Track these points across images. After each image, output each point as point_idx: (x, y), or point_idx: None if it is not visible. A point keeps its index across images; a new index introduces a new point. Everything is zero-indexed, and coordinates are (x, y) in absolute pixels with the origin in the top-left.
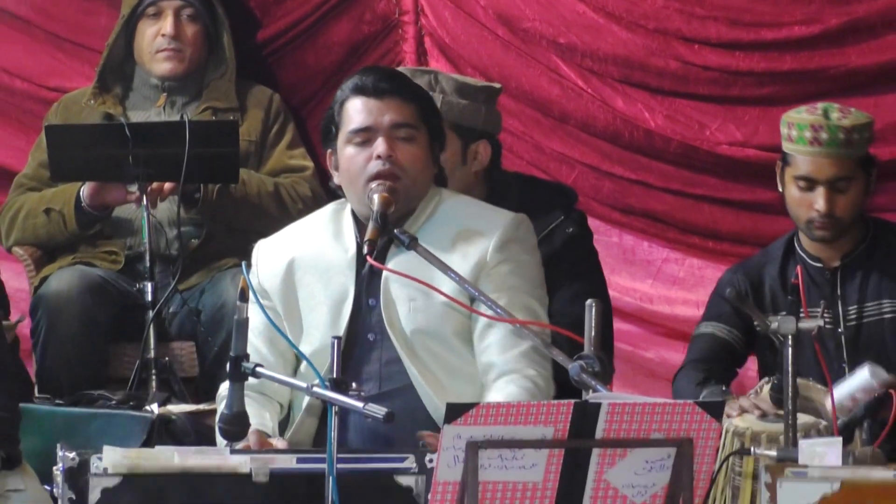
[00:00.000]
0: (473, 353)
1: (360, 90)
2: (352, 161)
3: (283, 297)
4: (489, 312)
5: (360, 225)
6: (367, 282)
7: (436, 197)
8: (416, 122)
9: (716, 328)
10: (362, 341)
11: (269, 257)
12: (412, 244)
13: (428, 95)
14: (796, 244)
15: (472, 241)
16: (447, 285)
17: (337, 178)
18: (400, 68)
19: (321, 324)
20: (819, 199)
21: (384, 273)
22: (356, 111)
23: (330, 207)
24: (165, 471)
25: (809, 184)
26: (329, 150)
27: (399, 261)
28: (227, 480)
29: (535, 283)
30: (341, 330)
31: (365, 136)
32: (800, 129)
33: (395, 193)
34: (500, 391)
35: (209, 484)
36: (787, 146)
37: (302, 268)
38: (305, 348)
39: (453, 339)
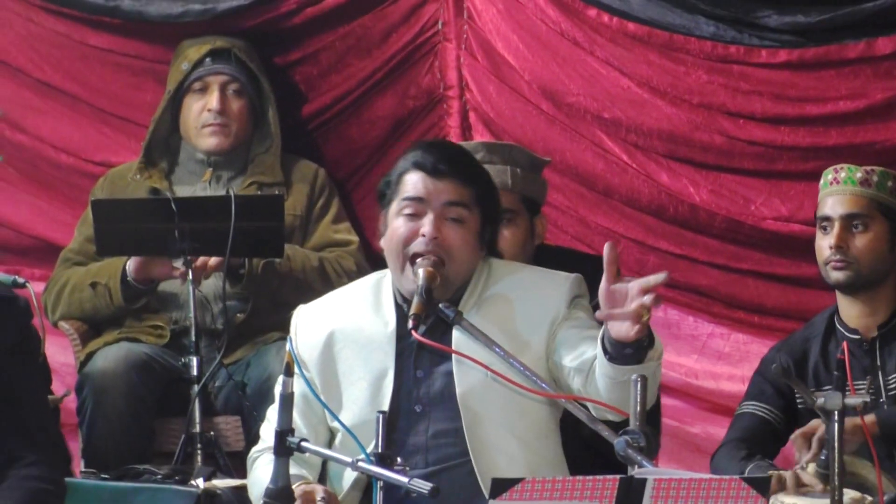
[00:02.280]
0: (536, 431)
1: (419, 166)
2: (397, 231)
3: (321, 370)
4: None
5: (399, 297)
6: (417, 354)
7: (485, 270)
8: (470, 205)
9: (757, 408)
10: (407, 414)
11: (308, 327)
12: (457, 319)
13: (488, 178)
14: (836, 318)
15: (540, 305)
16: (523, 354)
17: (382, 243)
18: (478, 140)
19: (361, 399)
20: (832, 237)
21: (453, 341)
22: (411, 185)
23: (372, 278)
24: None
25: (828, 224)
26: (382, 213)
27: (463, 339)
28: None
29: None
30: (384, 405)
31: (415, 207)
32: (825, 175)
33: (434, 275)
34: None
35: None
36: (818, 197)
37: (341, 341)
38: (344, 422)
39: (517, 419)
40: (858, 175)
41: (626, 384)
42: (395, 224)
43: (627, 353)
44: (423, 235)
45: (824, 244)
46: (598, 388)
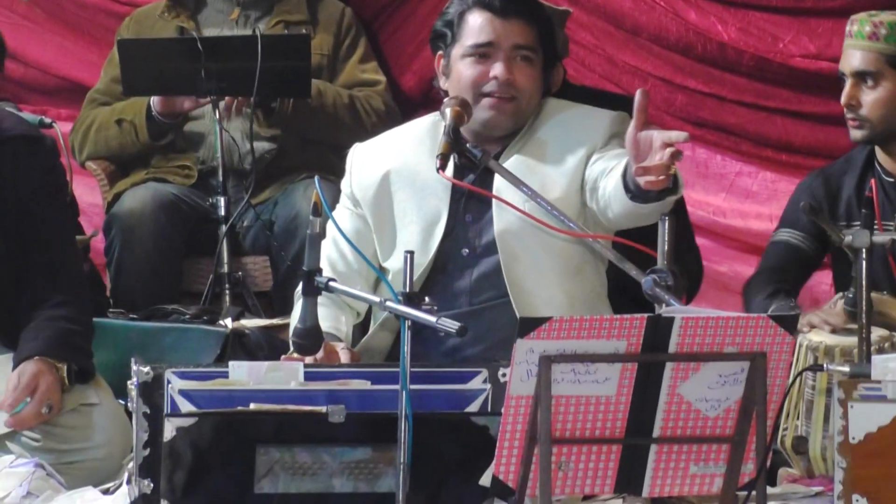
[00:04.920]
0: (576, 273)
1: (485, 5)
2: (466, 74)
3: (375, 210)
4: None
5: None
6: (467, 199)
7: (537, 111)
8: (536, 45)
9: (791, 235)
10: (455, 257)
11: (364, 165)
12: (484, 159)
13: (549, 17)
14: (876, 157)
15: (577, 141)
16: (556, 191)
17: (444, 84)
18: None
19: (412, 242)
20: (843, 95)
21: (494, 182)
22: (478, 25)
23: (428, 120)
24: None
25: (844, 77)
26: (439, 53)
27: (503, 183)
28: (303, 419)
29: None
30: (432, 250)
31: (485, 51)
32: (847, 26)
33: (505, 114)
34: None
35: (285, 422)
36: None
37: (396, 182)
38: (394, 264)
39: (559, 259)
40: (867, 29)
41: (640, 216)
42: (462, 67)
43: (651, 195)
44: (496, 78)
45: (843, 99)
46: (612, 205)
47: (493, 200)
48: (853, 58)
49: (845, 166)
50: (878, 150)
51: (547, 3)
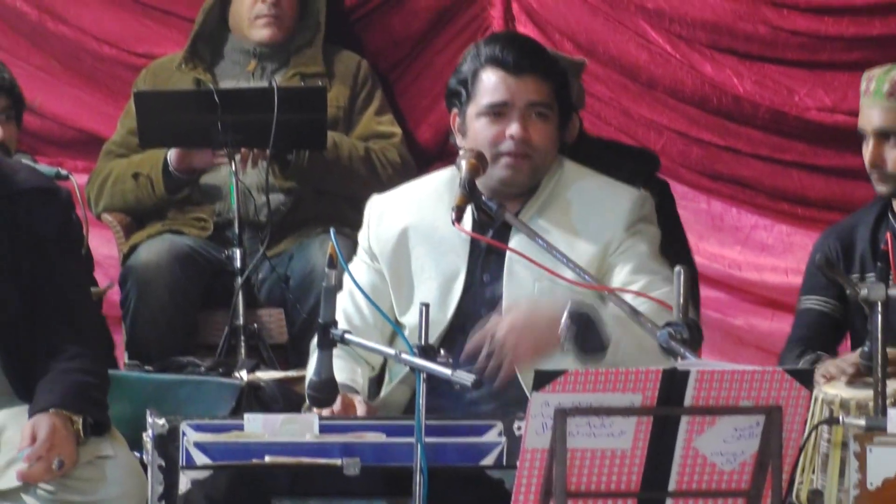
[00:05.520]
0: None
1: (499, 63)
2: (482, 134)
3: (392, 265)
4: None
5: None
6: (485, 258)
7: (557, 172)
8: (551, 101)
9: (814, 302)
10: (474, 318)
11: (382, 219)
12: (500, 212)
13: (562, 71)
14: (889, 209)
15: (599, 221)
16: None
17: (460, 141)
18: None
19: (430, 299)
20: (868, 154)
21: (511, 240)
22: (492, 85)
23: (446, 174)
24: (256, 463)
25: (864, 134)
26: (454, 111)
27: (523, 242)
28: (318, 471)
29: (657, 252)
30: (451, 307)
31: (500, 110)
32: (862, 81)
33: (521, 172)
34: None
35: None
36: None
37: (414, 238)
38: (411, 320)
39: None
40: (885, 87)
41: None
42: (478, 126)
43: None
44: (512, 137)
45: (865, 154)
46: None
47: (506, 262)
48: (874, 116)
49: (858, 220)
50: (893, 202)
51: (562, 54)
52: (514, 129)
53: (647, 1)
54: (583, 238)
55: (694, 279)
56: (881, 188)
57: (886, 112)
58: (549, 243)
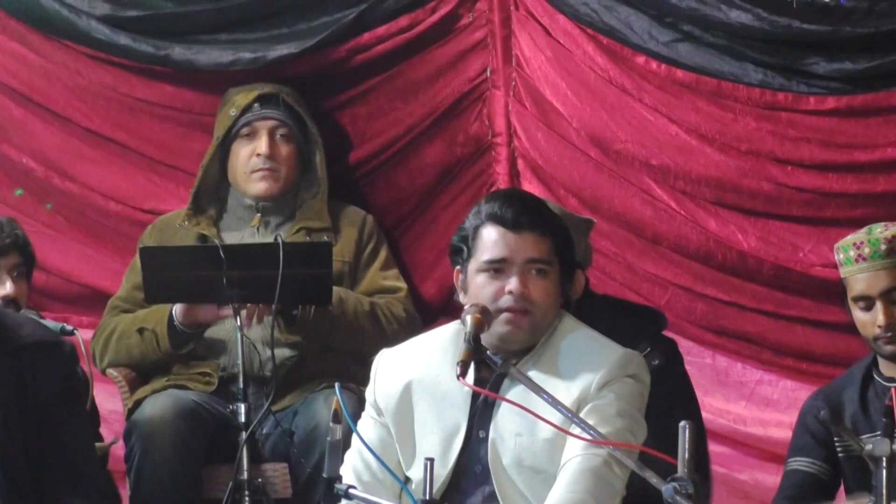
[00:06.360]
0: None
1: (498, 220)
2: (482, 290)
3: (397, 420)
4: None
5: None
6: (481, 413)
7: (555, 324)
8: (551, 258)
9: (802, 464)
10: (470, 473)
11: (388, 374)
12: (504, 367)
13: (564, 228)
14: (874, 367)
15: (578, 375)
16: (557, 417)
17: (463, 298)
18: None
19: (432, 453)
20: (878, 315)
21: (496, 406)
22: (492, 241)
23: (452, 328)
24: None
25: (867, 302)
26: (458, 268)
27: (514, 394)
28: None
29: (631, 413)
30: (451, 462)
31: (499, 266)
32: (845, 251)
33: (520, 328)
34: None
35: None
36: (840, 272)
37: (418, 392)
38: (416, 473)
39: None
40: (883, 248)
41: None
42: (478, 282)
43: None
44: (511, 293)
45: (867, 321)
46: None
47: (494, 417)
48: (878, 279)
49: (845, 382)
50: (878, 360)
51: (570, 212)
52: (513, 284)
53: (652, 157)
54: (561, 389)
55: (702, 437)
56: (891, 348)
57: (889, 272)
58: (554, 399)
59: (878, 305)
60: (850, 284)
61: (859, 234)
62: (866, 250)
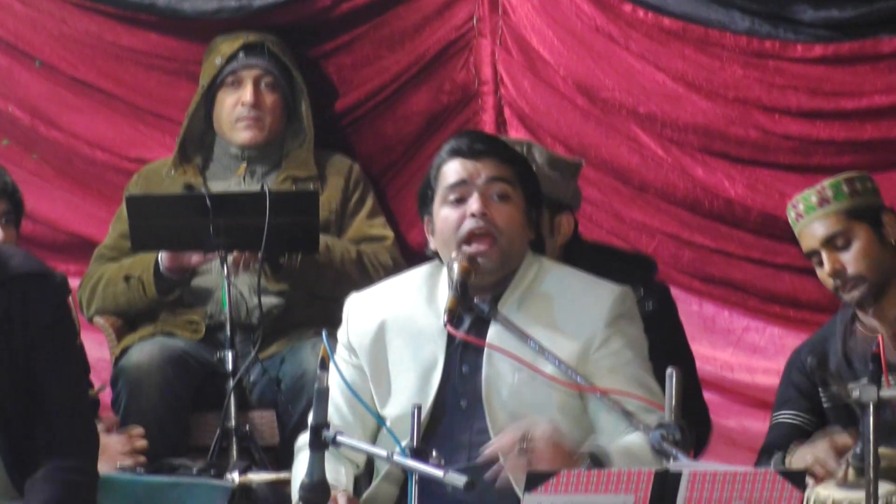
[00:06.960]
0: (576, 427)
1: (456, 152)
2: (446, 221)
3: (371, 358)
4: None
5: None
6: (462, 348)
7: (535, 265)
8: (513, 181)
9: (787, 416)
10: (453, 409)
11: (360, 314)
12: (492, 313)
13: (525, 160)
14: (855, 317)
15: (579, 317)
16: (550, 359)
17: (433, 244)
18: (505, 137)
19: (408, 389)
20: (826, 265)
21: (489, 333)
22: (452, 171)
23: (425, 269)
24: None
25: (818, 257)
26: (426, 217)
27: (501, 334)
28: None
29: (643, 355)
30: (430, 398)
31: (460, 191)
32: (789, 213)
33: (487, 256)
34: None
35: None
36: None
37: (392, 330)
38: (391, 411)
39: (557, 415)
40: (814, 199)
41: None
42: (443, 214)
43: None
44: (473, 214)
45: (824, 276)
46: None
47: (485, 352)
48: (816, 231)
49: (828, 333)
50: (859, 314)
51: (558, 155)
52: (473, 205)
53: (639, 105)
54: (564, 333)
55: (696, 387)
56: (853, 295)
57: (824, 220)
58: (540, 344)
59: (824, 255)
60: (801, 244)
61: (795, 198)
62: (801, 206)
